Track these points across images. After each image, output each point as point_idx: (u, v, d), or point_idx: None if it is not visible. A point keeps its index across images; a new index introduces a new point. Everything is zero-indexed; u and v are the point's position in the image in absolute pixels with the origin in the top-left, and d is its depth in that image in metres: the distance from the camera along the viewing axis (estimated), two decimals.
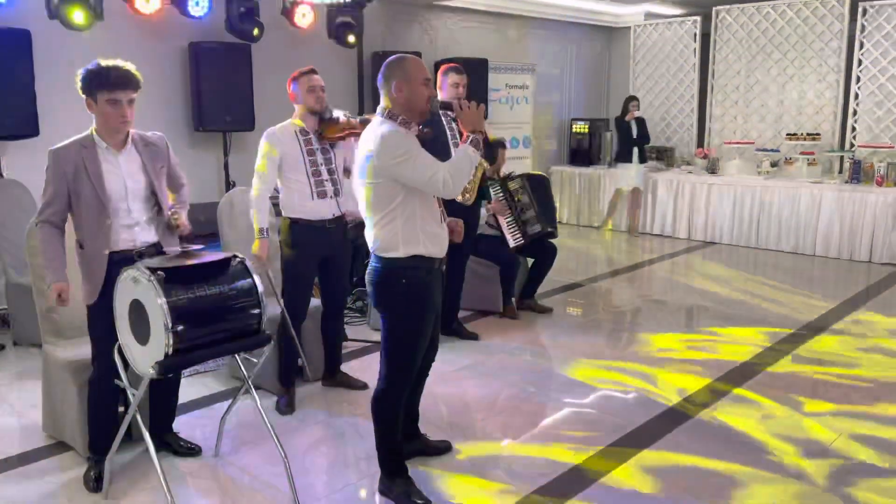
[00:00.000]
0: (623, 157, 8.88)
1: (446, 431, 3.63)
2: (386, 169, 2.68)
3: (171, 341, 2.62)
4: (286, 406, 3.88)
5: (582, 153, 10.30)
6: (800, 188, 8.05)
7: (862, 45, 8.31)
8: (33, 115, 5.34)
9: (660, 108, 10.25)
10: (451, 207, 3.07)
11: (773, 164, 8.84)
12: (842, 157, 8.60)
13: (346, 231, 4.04)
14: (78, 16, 5.44)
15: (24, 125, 5.30)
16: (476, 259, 5.43)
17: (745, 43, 9.30)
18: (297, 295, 3.89)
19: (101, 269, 2.96)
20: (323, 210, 3.82)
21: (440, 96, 4.58)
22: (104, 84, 2.86)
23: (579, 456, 3.41)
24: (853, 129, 8.50)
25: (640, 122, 8.76)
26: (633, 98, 8.81)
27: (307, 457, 3.40)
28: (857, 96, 8.43)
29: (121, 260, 2.95)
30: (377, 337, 4.96)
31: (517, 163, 8.99)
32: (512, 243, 5.53)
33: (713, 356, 4.77)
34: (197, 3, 6.10)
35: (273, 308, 3.91)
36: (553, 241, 5.75)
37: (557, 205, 8.95)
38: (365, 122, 3.67)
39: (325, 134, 3.83)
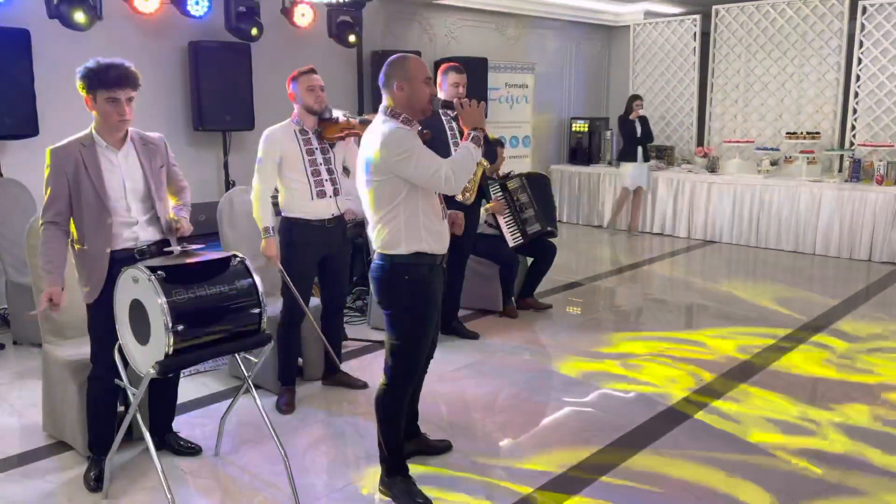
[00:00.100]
0: (627, 155, 8.86)
1: (446, 431, 3.63)
2: (389, 166, 2.70)
3: (171, 341, 2.62)
4: (286, 405, 3.88)
5: (581, 152, 10.30)
6: (800, 187, 8.05)
7: (862, 44, 8.31)
8: (33, 114, 5.34)
9: (659, 106, 10.25)
10: (451, 207, 3.08)
11: (773, 163, 8.85)
12: (841, 156, 8.61)
13: (346, 230, 4.05)
14: (78, 15, 5.44)
15: (23, 125, 5.30)
16: (476, 258, 5.43)
17: (744, 41, 9.30)
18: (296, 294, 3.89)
19: (103, 267, 2.96)
20: (322, 210, 3.82)
21: (440, 96, 4.58)
22: (103, 82, 2.86)
23: (579, 455, 3.41)
24: (853, 127, 8.51)
25: (643, 120, 8.76)
26: (636, 97, 8.80)
27: (307, 456, 3.40)
28: (856, 95, 8.44)
29: (122, 259, 2.95)
30: (377, 336, 5.01)
31: (517, 162, 9.00)
32: (511, 243, 5.53)
33: (713, 355, 4.77)
34: (196, 3, 6.10)
35: (275, 305, 3.94)
36: (553, 240, 5.75)
37: (557, 204, 8.96)
38: (364, 123, 3.67)
39: (325, 134, 3.83)
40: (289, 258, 3.83)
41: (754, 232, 8.43)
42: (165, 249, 3.07)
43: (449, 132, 4.53)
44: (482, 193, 4.92)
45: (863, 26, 8.27)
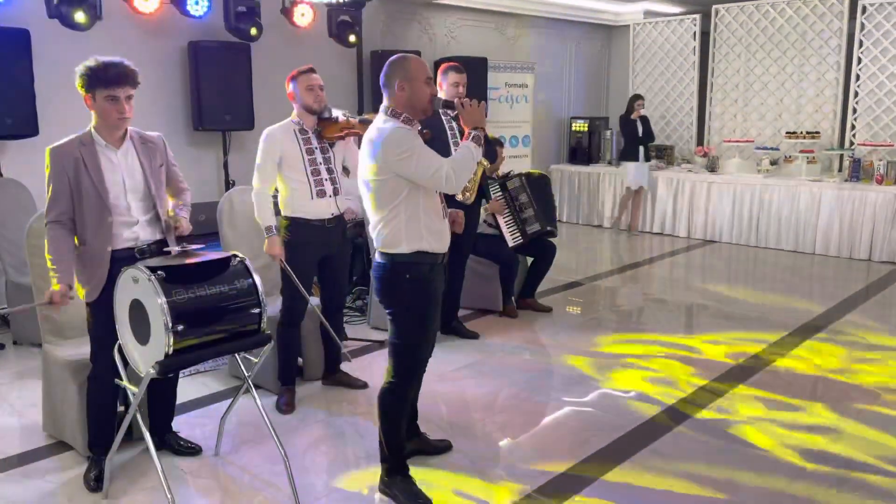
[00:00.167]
0: (628, 155, 8.85)
1: (446, 431, 3.63)
2: (390, 165, 2.71)
3: (171, 341, 2.62)
4: (286, 405, 3.88)
5: (581, 152, 10.30)
6: (799, 186, 8.05)
7: (861, 44, 8.31)
8: (32, 114, 5.34)
9: (659, 106, 10.25)
10: (451, 206, 3.09)
11: (773, 163, 8.85)
12: (841, 156, 8.61)
13: (346, 230, 4.05)
14: (79, 15, 5.44)
15: (23, 125, 5.30)
16: (476, 258, 5.43)
17: (744, 41, 9.30)
18: (296, 294, 3.88)
19: (104, 266, 2.96)
20: (322, 209, 3.82)
21: (440, 95, 4.57)
22: (102, 80, 2.86)
23: (579, 455, 3.41)
24: (853, 127, 8.50)
25: (645, 120, 8.76)
26: (638, 97, 8.80)
27: (307, 456, 3.40)
28: (856, 94, 8.43)
29: (122, 258, 2.95)
30: (377, 336, 5.01)
31: (517, 161, 8.99)
32: (511, 243, 5.53)
33: (713, 355, 4.77)
34: (196, 3, 6.10)
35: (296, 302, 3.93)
36: (552, 239, 5.74)
37: (557, 203, 8.96)
38: (364, 122, 3.67)
39: (325, 133, 3.83)
40: (288, 258, 3.82)
41: (754, 231, 8.43)
42: (165, 249, 3.08)
43: (449, 131, 4.53)
44: (482, 193, 4.92)
45: (862, 26, 8.26)
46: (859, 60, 8.34)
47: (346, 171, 4.03)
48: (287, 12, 6.98)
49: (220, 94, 6.46)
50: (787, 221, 8.12)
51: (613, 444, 3.53)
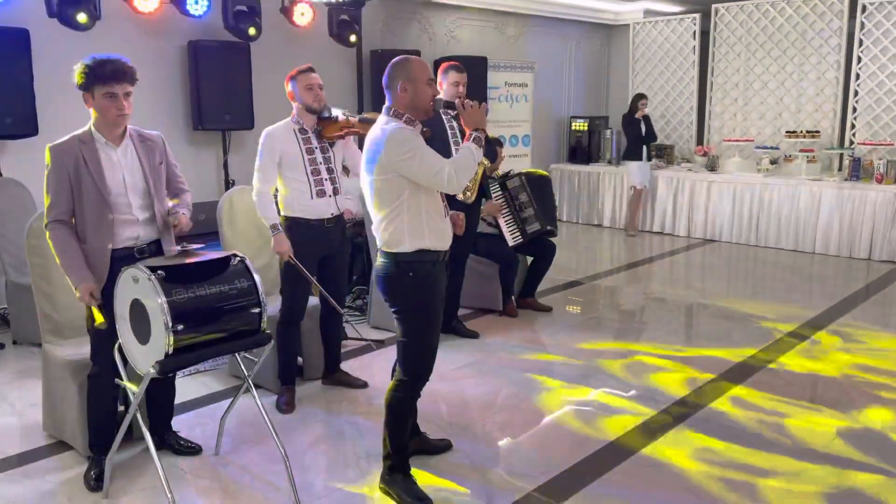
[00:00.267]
0: (632, 155, 8.84)
1: (446, 430, 3.63)
2: (393, 165, 2.74)
3: (171, 340, 2.62)
4: (286, 405, 3.88)
5: (581, 151, 10.31)
6: (799, 186, 8.05)
7: (861, 43, 8.31)
8: (32, 114, 5.34)
9: (659, 105, 10.25)
10: (452, 206, 3.10)
11: (773, 162, 8.84)
12: (841, 155, 8.61)
13: (345, 230, 4.05)
14: (80, 16, 5.44)
15: (23, 124, 5.30)
16: (476, 257, 5.43)
17: (744, 40, 9.30)
18: (296, 294, 3.88)
19: (105, 264, 2.96)
20: (322, 209, 3.82)
21: (440, 94, 4.58)
22: (100, 77, 2.86)
23: (579, 455, 3.41)
24: (853, 126, 8.50)
25: (647, 119, 8.76)
26: (642, 96, 8.79)
27: (307, 455, 3.40)
28: (856, 94, 8.43)
29: (122, 257, 2.96)
30: (377, 336, 5.01)
31: (517, 161, 8.99)
32: (510, 242, 5.53)
33: (713, 354, 4.77)
34: (196, 2, 6.10)
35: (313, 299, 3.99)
36: (552, 239, 5.74)
37: (557, 203, 8.97)
38: (364, 121, 3.67)
39: (324, 133, 3.82)
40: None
41: (754, 231, 8.43)
42: (165, 249, 3.08)
43: (449, 131, 4.53)
44: (483, 192, 4.92)
45: (862, 25, 8.26)
46: (859, 59, 8.34)
47: (345, 170, 4.02)
48: (287, 11, 6.98)
49: (219, 93, 6.46)
50: (787, 220, 8.12)
51: (613, 443, 3.53)
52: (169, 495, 2.80)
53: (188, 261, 2.88)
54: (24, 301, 4.47)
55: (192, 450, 3.40)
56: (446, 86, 4.61)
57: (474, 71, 7.59)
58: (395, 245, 2.83)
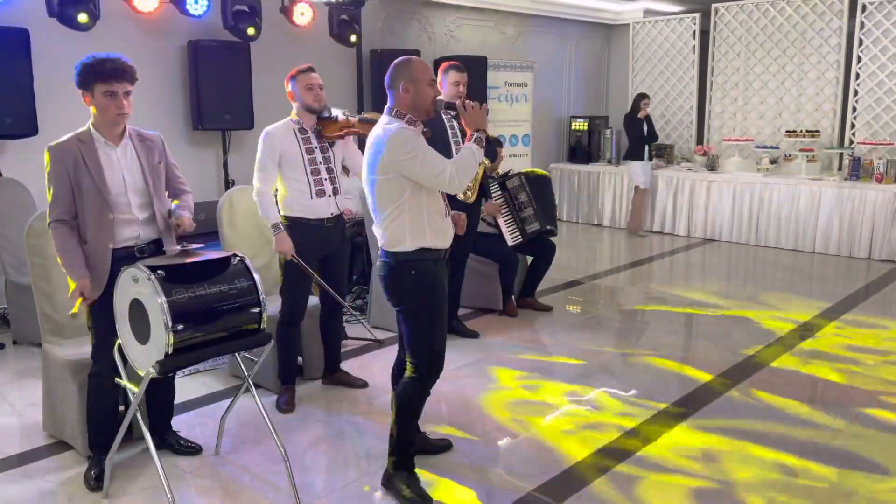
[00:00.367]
0: (635, 154, 8.83)
1: (446, 430, 3.63)
2: (395, 165, 2.76)
3: (170, 340, 2.62)
4: (286, 404, 3.88)
5: (581, 151, 10.31)
6: (799, 185, 8.05)
7: (861, 42, 8.30)
8: (32, 114, 5.34)
9: (659, 105, 10.24)
10: (452, 206, 3.11)
11: (773, 161, 8.84)
12: (841, 154, 8.60)
13: (345, 230, 4.05)
14: (81, 16, 5.45)
15: (22, 124, 5.30)
16: (476, 257, 5.43)
17: (744, 40, 9.30)
18: (296, 294, 3.88)
19: (105, 263, 2.96)
20: (322, 209, 3.82)
21: (440, 94, 4.58)
22: (100, 76, 2.87)
23: (580, 454, 3.41)
24: (852, 125, 8.50)
25: (648, 119, 8.76)
26: (644, 95, 8.79)
27: (307, 455, 3.41)
28: (856, 93, 8.43)
29: (122, 257, 2.96)
30: (377, 335, 5.01)
31: (517, 160, 8.99)
32: (510, 242, 5.53)
33: (713, 353, 4.77)
34: (196, 2, 6.10)
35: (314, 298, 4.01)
36: (552, 238, 5.74)
37: (556, 202, 8.97)
38: (364, 121, 3.67)
39: (324, 132, 3.82)
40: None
41: (754, 230, 8.43)
42: (165, 248, 3.08)
43: (450, 131, 4.53)
44: (483, 192, 4.92)
45: (862, 24, 8.26)
46: (859, 59, 8.34)
47: (345, 170, 4.02)
48: (287, 11, 6.98)
49: (219, 93, 6.45)
50: (787, 220, 8.12)
51: (613, 443, 3.53)
52: (169, 495, 2.80)
53: (188, 260, 2.88)
54: (24, 301, 4.47)
55: (192, 450, 3.40)
56: (447, 85, 4.61)
57: (474, 71, 7.59)
58: (397, 244, 2.85)
